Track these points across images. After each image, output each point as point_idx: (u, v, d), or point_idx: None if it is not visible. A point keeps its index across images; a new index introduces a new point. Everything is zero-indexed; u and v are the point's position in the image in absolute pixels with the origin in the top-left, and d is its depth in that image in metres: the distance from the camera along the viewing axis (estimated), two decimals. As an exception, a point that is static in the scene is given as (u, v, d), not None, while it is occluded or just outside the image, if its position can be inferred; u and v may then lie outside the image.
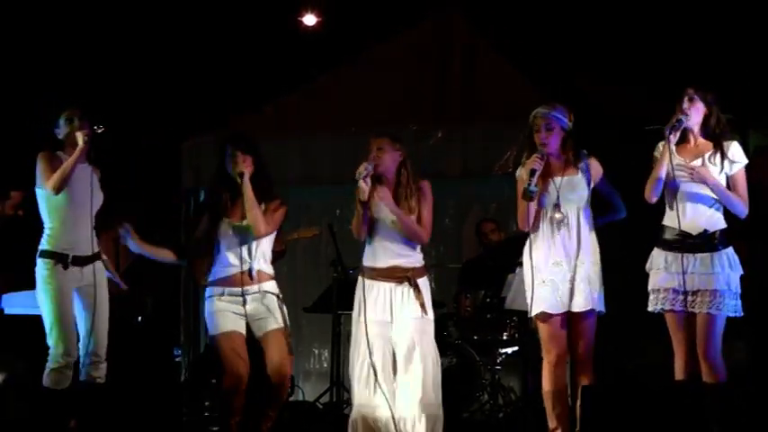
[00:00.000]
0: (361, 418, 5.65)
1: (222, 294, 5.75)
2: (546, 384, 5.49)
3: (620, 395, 5.26)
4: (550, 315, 5.42)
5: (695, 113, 5.23)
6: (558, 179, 5.44)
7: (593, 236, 5.45)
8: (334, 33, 9.22)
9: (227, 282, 5.76)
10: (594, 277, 5.40)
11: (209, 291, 5.80)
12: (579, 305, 5.39)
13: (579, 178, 5.44)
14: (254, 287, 5.77)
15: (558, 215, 5.40)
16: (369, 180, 5.59)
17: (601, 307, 5.43)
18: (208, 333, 5.87)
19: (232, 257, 5.75)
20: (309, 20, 9.27)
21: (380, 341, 5.65)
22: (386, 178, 5.72)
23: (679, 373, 5.29)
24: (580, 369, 5.45)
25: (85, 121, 5.72)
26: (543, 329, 5.47)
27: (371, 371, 5.61)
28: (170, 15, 9.08)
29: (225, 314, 5.73)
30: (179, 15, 9.11)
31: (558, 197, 5.41)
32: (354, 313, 5.79)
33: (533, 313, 5.47)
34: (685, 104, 5.23)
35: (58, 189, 5.61)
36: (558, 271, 5.40)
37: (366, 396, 5.64)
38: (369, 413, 5.63)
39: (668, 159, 5.20)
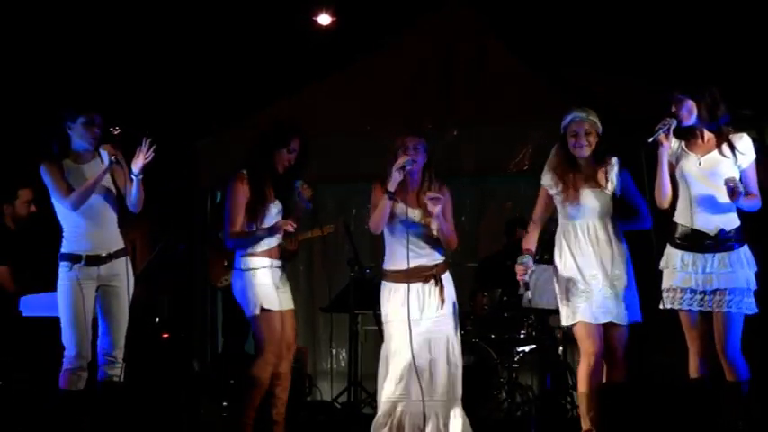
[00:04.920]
0: (391, 414, 5.66)
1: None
2: (582, 386, 5.44)
3: (636, 393, 5.24)
4: (587, 324, 5.41)
5: (687, 113, 5.19)
6: (584, 191, 5.45)
7: (622, 245, 5.46)
8: (348, 31, 9.22)
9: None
10: (629, 284, 5.42)
11: None
12: (619, 317, 5.40)
13: (607, 191, 5.45)
14: None
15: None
16: (402, 174, 5.60)
17: (636, 317, 5.45)
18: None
19: None
20: (324, 19, 9.29)
21: (414, 340, 5.65)
22: (411, 178, 5.73)
23: (693, 372, 5.27)
24: (616, 374, 5.47)
25: (101, 131, 5.73)
26: (581, 334, 5.44)
27: (407, 369, 5.62)
28: (185, 14, 9.10)
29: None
30: (193, 14, 9.13)
31: (582, 210, 5.43)
32: (384, 318, 5.79)
33: (570, 322, 5.46)
34: (673, 108, 5.20)
35: (78, 207, 5.66)
36: (594, 283, 5.40)
37: (398, 393, 5.65)
38: (400, 409, 5.64)
39: (666, 162, 5.20)
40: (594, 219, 5.44)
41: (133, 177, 5.68)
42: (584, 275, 5.41)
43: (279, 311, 5.84)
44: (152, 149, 5.65)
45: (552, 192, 5.51)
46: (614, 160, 5.47)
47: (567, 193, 5.44)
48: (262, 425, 5.90)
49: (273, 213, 5.87)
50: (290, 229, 5.80)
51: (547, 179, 5.54)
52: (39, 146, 5.87)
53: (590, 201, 5.43)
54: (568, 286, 5.44)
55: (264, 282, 5.82)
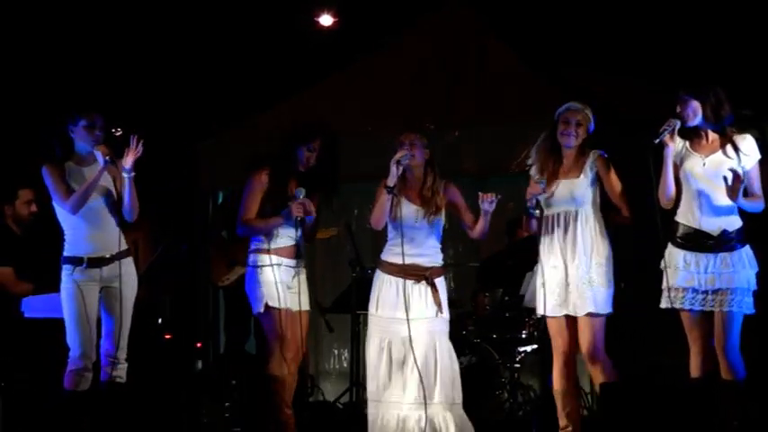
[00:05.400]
0: (380, 415, 5.69)
1: None
2: (555, 383, 5.55)
3: (637, 393, 5.28)
4: (552, 317, 5.49)
5: (692, 113, 5.20)
6: (559, 181, 5.50)
7: (599, 237, 5.47)
8: (348, 32, 9.24)
9: None
10: (597, 278, 5.43)
11: None
12: (577, 308, 5.43)
13: (581, 180, 5.48)
14: None
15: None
16: (400, 168, 5.62)
17: (606, 308, 5.46)
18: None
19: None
20: (326, 20, 9.32)
21: (396, 337, 5.69)
22: (412, 174, 5.79)
23: (695, 371, 5.29)
24: (592, 369, 5.50)
25: (103, 131, 5.73)
26: (550, 330, 5.56)
27: (388, 367, 5.65)
28: (185, 15, 9.11)
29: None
30: (194, 15, 9.14)
31: (554, 199, 5.48)
32: (371, 307, 5.82)
33: (540, 313, 5.56)
34: (678, 109, 5.22)
35: (77, 210, 5.67)
36: (554, 274, 5.48)
37: (382, 393, 5.72)
38: (385, 410, 5.68)
39: (671, 163, 5.22)
40: (568, 209, 5.48)
41: (125, 175, 5.68)
42: (545, 267, 5.48)
43: (285, 309, 5.82)
44: (140, 144, 5.65)
45: (536, 180, 5.56)
46: (593, 152, 5.50)
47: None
48: (267, 425, 5.91)
49: None
50: (302, 213, 5.76)
51: (533, 169, 5.61)
52: (41, 147, 5.88)
53: (564, 191, 5.49)
54: (535, 277, 5.55)
55: (270, 279, 5.82)
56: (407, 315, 5.67)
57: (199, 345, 8.35)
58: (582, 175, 5.48)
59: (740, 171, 5.14)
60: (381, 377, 5.73)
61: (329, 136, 5.98)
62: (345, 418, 7.58)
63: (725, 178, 5.05)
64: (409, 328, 5.65)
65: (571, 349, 5.51)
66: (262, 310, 5.81)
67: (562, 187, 5.49)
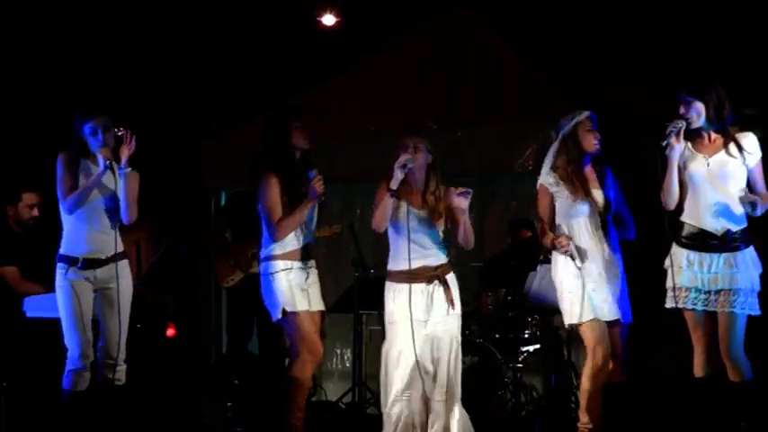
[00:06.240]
0: (399, 413, 5.69)
1: None
2: (589, 383, 5.50)
3: (641, 393, 5.27)
4: (599, 321, 5.48)
5: (696, 114, 5.17)
6: (594, 191, 5.55)
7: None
8: (349, 32, 9.24)
9: None
10: (622, 286, 5.54)
11: None
12: (615, 314, 5.50)
13: (604, 192, 5.56)
14: None
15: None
16: (404, 172, 5.59)
17: (629, 317, 5.59)
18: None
19: None
20: (328, 20, 9.32)
21: (420, 341, 5.68)
22: (413, 177, 5.75)
23: (698, 371, 5.26)
24: (615, 372, 5.52)
25: (109, 134, 5.69)
26: (592, 333, 5.49)
27: (413, 369, 5.64)
28: (187, 14, 9.11)
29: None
30: (196, 14, 9.14)
31: (590, 206, 5.51)
32: (388, 317, 5.79)
33: (585, 319, 5.49)
34: (682, 110, 5.20)
35: (74, 210, 5.65)
36: (600, 281, 5.48)
37: (405, 393, 5.68)
38: (406, 409, 5.68)
39: (676, 164, 5.19)
40: (597, 217, 5.52)
41: (120, 172, 5.65)
42: (592, 273, 5.47)
43: (303, 312, 5.76)
44: (134, 139, 5.62)
45: (554, 189, 5.55)
46: (605, 167, 5.61)
47: (578, 191, 5.50)
48: (278, 427, 5.90)
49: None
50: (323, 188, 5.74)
51: (549, 177, 5.58)
52: (64, 138, 5.82)
53: (596, 199, 5.53)
54: (580, 283, 5.48)
55: (284, 285, 5.74)
56: (428, 316, 5.69)
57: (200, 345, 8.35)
58: (605, 187, 5.58)
59: (744, 170, 5.13)
60: (408, 378, 5.69)
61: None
62: (348, 418, 7.58)
63: (741, 199, 5.05)
64: (413, 330, 5.64)
65: (610, 351, 5.54)
66: (280, 316, 5.73)
67: (596, 196, 5.55)
